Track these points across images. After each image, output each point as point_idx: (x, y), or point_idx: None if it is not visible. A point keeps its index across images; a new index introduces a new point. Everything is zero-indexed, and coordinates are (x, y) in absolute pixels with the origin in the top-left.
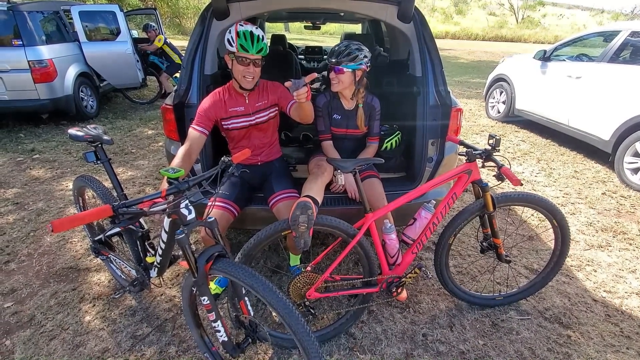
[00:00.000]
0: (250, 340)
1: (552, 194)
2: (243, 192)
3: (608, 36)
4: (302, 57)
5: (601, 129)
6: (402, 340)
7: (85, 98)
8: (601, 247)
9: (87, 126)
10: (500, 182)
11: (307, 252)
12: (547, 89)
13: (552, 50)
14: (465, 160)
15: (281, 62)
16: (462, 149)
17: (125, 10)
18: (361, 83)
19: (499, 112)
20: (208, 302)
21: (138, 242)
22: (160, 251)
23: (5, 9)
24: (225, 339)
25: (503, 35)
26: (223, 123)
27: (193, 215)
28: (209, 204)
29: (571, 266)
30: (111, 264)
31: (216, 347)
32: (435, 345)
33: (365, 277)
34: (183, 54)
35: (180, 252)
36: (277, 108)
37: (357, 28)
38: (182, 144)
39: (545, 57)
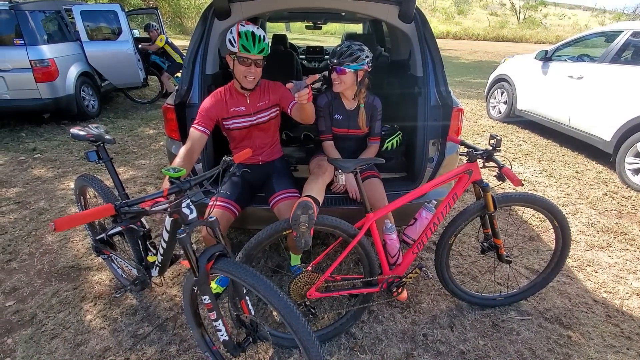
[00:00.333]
0: (251, 339)
1: (553, 194)
2: (244, 192)
3: (610, 36)
4: (303, 57)
5: (602, 129)
6: (402, 340)
7: (87, 97)
8: (602, 247)
9: (89, 125)
10: (501, 182)
11: (308, 252)
12: (549, 89)
13: (553, 50)
14: (466, 160)
15: (282, 62)
16: (463, 149)
17: (126, 10)
18: (363, 83)
19: (500, 112)
20: (209, 301)
21: (139, 242)
22: (161, 250)
23: (7, 8)
24: (226, 338)
25: (504, 35)
26: (224, 123)
27: (194, 214)
28: (210, 203)
29: (572, 267)
30: (112, 263)
31: (217, 347)
32: (435, 345)
33: (366, 277)
34: (184, 54)
35: (182, 252)
36: (278, 108)
37: (358, 28)
38: (184, 144)
39: (546, 58)
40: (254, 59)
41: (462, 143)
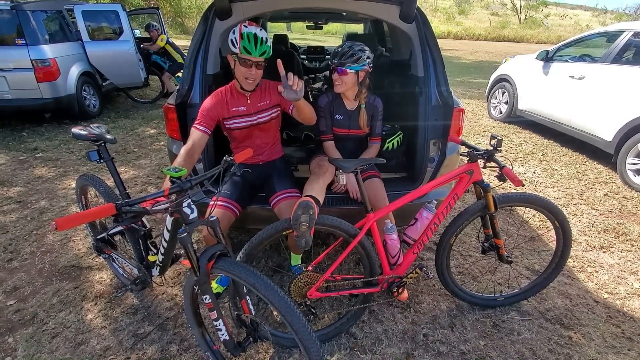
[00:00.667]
0: (251, 339)
1: (554, 194)
2: (245, 192)
3: (611, 37)
4: (304, 56)
5: (604, 129)
6: (402, 340)
7: (88, 97)
8: (603, 248)
9: (91, 125)
10: (501, 182)
11: (308, 252)
12: (550, 89)
13: (554, 50)
14: (467, 160)
15: (283, 62)
16: (463, 150)
17: (127, 10)
18: (364, 84)
19: (501, 112)
20: (210, 300)
21: (140, 241)
22: (162, 250)
23: (9, 8)
24: (227, 337)
25: (505, 35)
26: (225, 123)
27: (195, 214)
28: (211, 203)
29: (573, 267)
30: (113, 263)
31: (217, 346)
32: (436, 345)
33: (366, 277)
34: (185, 54)
35: (182, 251)
36: (279, 108)
37: (359, 28)
38: (184, 143)
39: (547, 58)
40: (255, 61)
41: (463, 143)
